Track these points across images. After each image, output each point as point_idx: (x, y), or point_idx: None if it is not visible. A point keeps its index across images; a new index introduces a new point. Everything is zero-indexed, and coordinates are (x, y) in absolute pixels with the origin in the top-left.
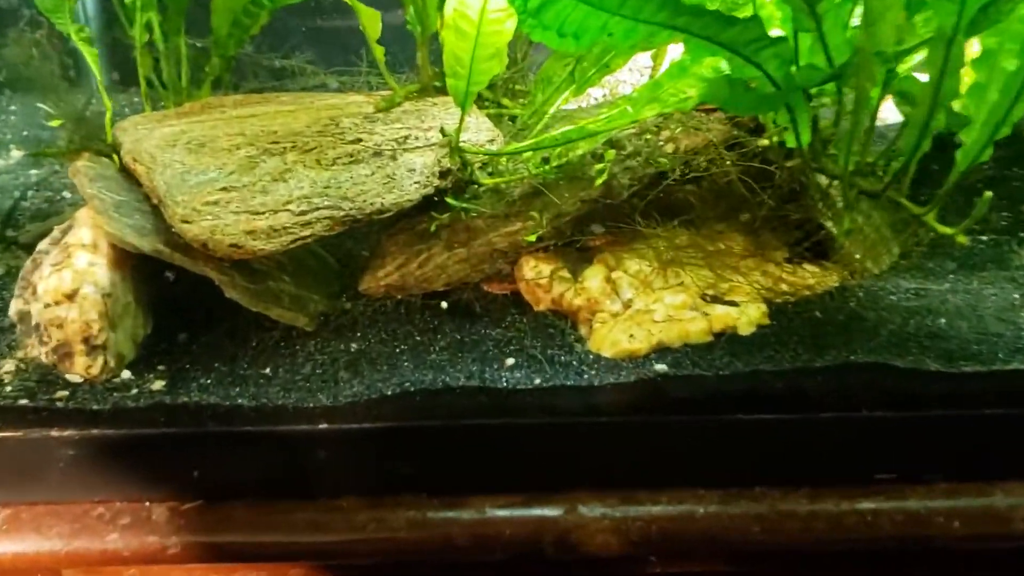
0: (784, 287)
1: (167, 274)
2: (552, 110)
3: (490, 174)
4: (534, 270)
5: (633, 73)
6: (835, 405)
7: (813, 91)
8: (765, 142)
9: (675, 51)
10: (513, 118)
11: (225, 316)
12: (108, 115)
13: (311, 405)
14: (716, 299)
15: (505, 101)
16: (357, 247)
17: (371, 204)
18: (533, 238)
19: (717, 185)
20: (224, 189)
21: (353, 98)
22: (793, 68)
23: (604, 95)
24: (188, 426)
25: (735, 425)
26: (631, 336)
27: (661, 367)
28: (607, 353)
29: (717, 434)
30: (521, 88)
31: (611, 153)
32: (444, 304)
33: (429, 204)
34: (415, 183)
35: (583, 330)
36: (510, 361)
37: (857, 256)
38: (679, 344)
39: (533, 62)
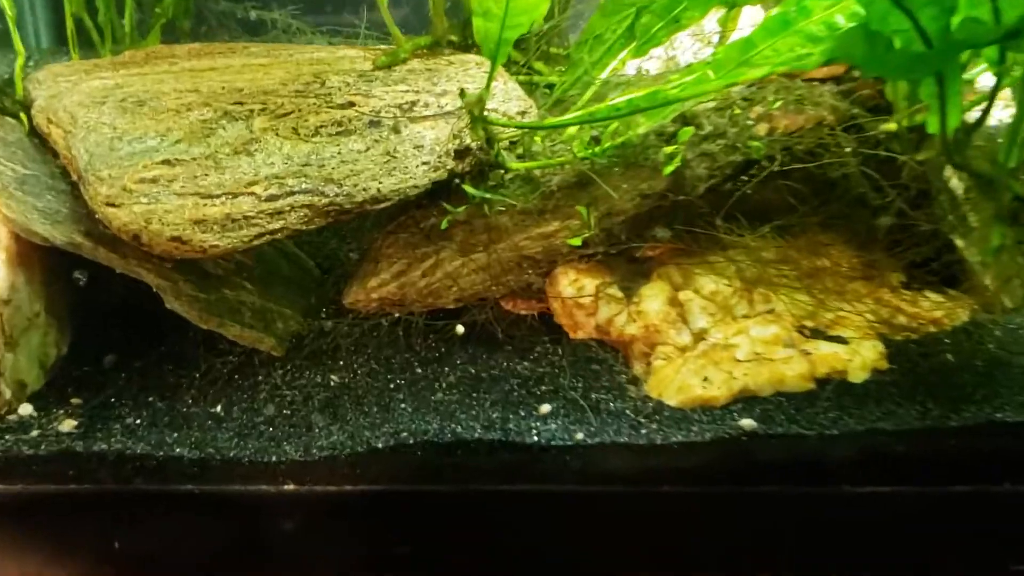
0: (902, 319)
1: (76, 275)
2: (604, 74)
3: (521, 157)
4: (574, 285)
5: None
6: (972, 476)
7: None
8: (892, 126)
9: (752, 15)
10: (550, 86)
11: (167, 334)
12: (19, 62)
13: (274, 459)
14: (818, 333)
15: (538, 65)
16: (344, 248)
17: (364, 190)
18: (577, 242)
19: (821, 180)
20: (166, 162)
21: (345, 52)
22: (955, 20)
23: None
24: (107, 482)
25: (843, 500)
26: (705, 380)
27: (747, 422)
28: (672, 400)
29: (820, 511)
30: (558, 51)
31: (687, 131)
32: (459, 328)
33: (440, 193)
34: (423, 164)
35: (638, 368)
36: (544, 408)
37: (990, 285)
38: (770, 392)
39: (573, 22)
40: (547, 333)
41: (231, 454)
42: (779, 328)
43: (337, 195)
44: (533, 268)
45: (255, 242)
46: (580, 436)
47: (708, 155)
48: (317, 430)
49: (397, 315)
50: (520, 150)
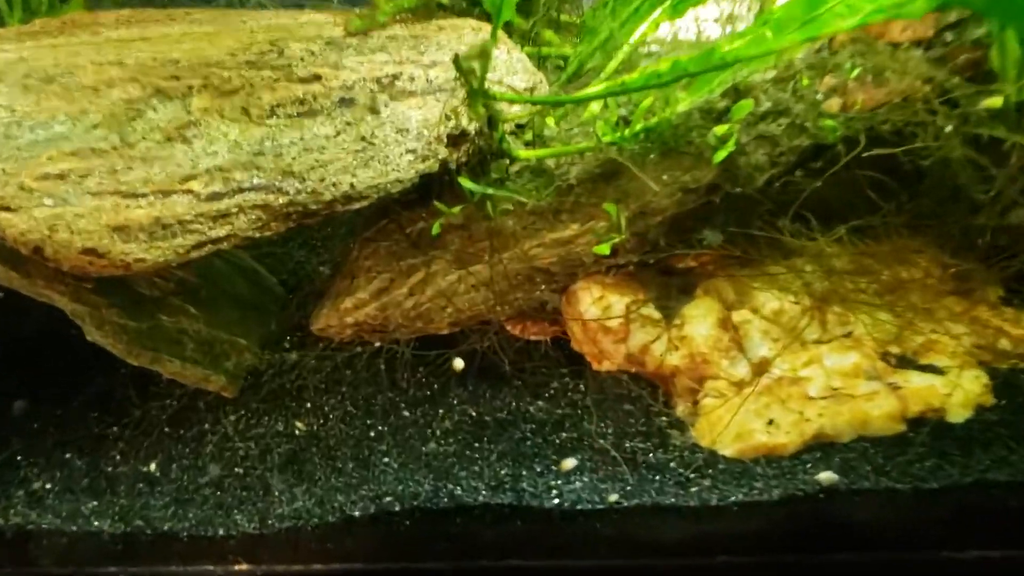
0: (1006, 344)
1: None
2: (633, 39)
3: (530, 144)
4: (598, 304)
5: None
6: None
7: None
8: (997, 101)
9: None
10: (562, 61)
11: (93, 372)
12: None
13: (222, 532)
14: (907, 362)
15: (547, 35)
16: (313, 260)
17: (333, 186)
18: (604, 250)
19: (908, 170)
20: (78, 153)
21: (310, 16)
22: None
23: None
24: (3, 567)
25: (946, 568)
26: (770, 423)
27: (825, 475)
28: (728, 449)
29: None
30: (569, 19)
31: (744, 106)
32: (457, 362)
33: (430, 189)
34: (408, 152)
35: (682, 407)
36: (567, 462)
37: None
38: (851, 436)
39: None
40: (566, 364)
41: (166, 527)
42: (860, 356)
43: (299, 192)
44: (547, 283)
45: (194, 253)
46: (613, 497)
47: (767, 138)
48: (277, 494)
49: (378, 344)
50: (529, 135)
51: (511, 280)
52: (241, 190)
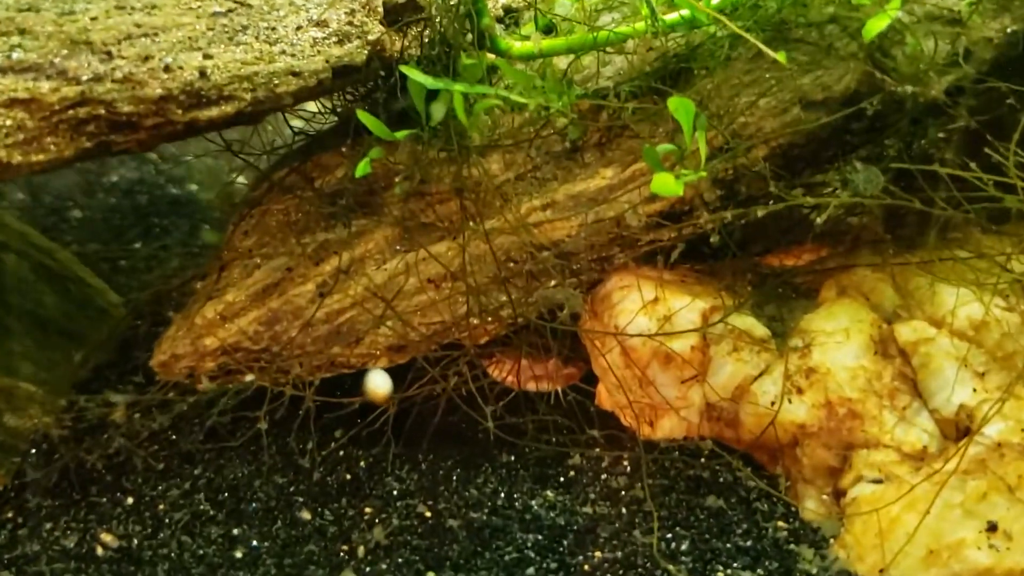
0: None
1: None
2: None
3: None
4: (651, 312)
5: None
6: None
7: None
8: None
9: None
10: None
11: None
12: None
13: None
14: None
15: None
16: (178, 248)
17: (166, 72)
18: (676, 188)
19: None
20: None
21: None
22: None
23: None
24: None
25: None
26: (991, 529)
27: None
28: None
29: None
30: None
31: None
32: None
33: (351, 112)
34: (314, 26)
35: (813, 502)
36: None
37: None
38: None
39: None
40: (594, 427)
41: None
42: None
43: (99, 79)
44: (560, 276)
45: None
46: None
47: (954, 24)
48: None
49: (261, 385)
50: (528, 24)
51: (498, 268)
52: None
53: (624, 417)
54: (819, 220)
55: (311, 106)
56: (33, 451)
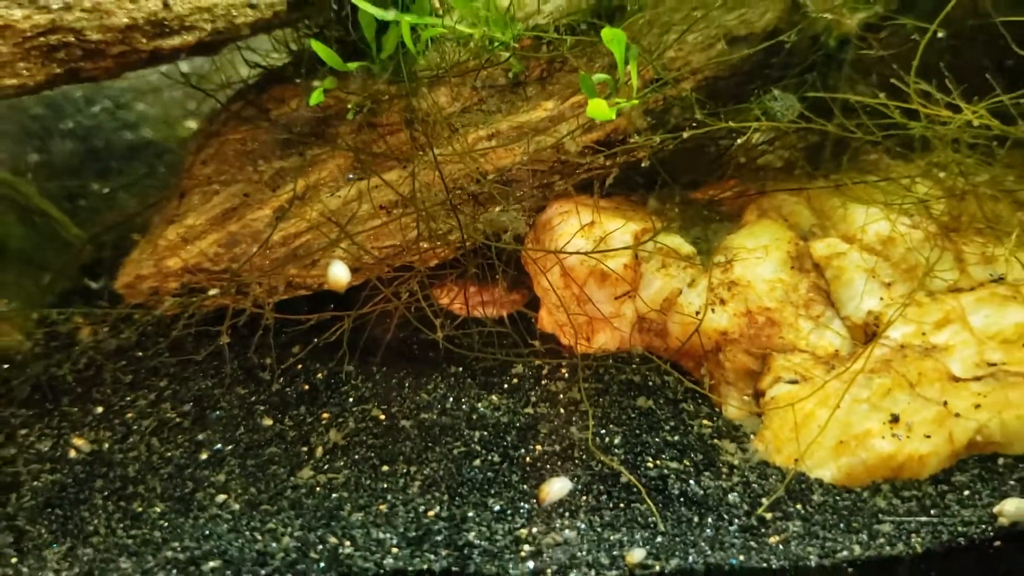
0: None
1: None
2: None
3: None
4: (588, 234)
5: None
6: None
7: None
8: None
9: None
10: None
11: None
12: None
13: None
14: None
15: None
16: (109, 184)
17: (132, 2)
18: (609, 113)
19: None
20: None
21: None
22: None
23: None
24: None
25: None
26: (893, 420)
27: (1011, 507)
28: (825, 470)
29: None
30: None
31: None
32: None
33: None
34: None
35: (734, 402)
36: (552, 487)
37: None
38: None
39: None
40: (535, 344)
41: None
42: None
43: (68, 7)
44: (506, 200)
45: None
46: (637, 555)
47: None
48: (13, 560)
49: (223, 304)
50: None
51: (446, 195)
52: None
53: (563, 336)
54: (742, 140)
55: (265, 43)
56: (6, 365)
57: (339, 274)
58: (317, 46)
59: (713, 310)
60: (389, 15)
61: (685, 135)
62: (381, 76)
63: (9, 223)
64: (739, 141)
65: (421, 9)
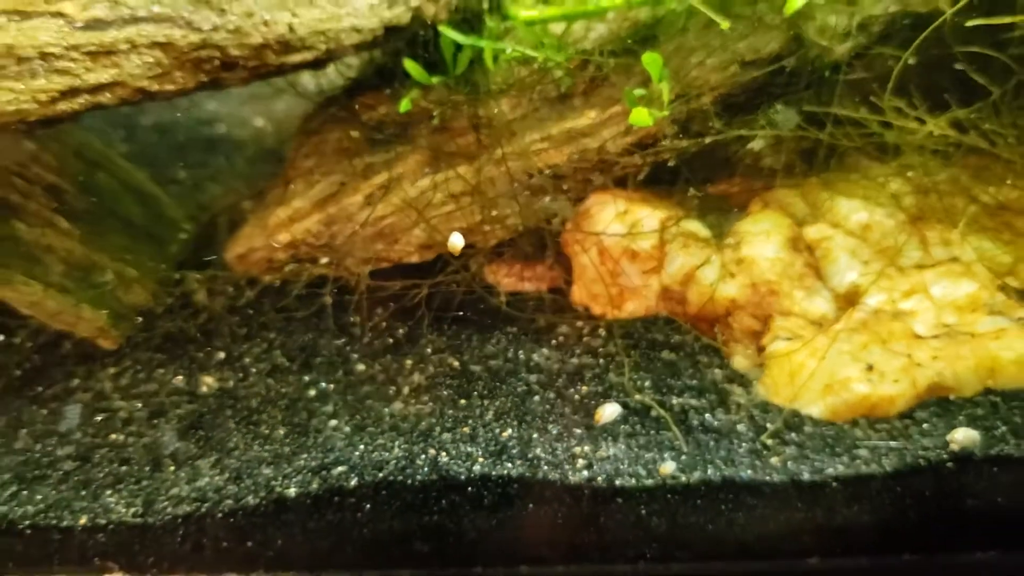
0: None
1: None
2: None
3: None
4: (623, 220)
5: None
6: None
7: None
8: None
9: None
10: None
11: None
12: None
13: (85, 522)
14: None
15: None
16: (231, 196)
17: (265, 25)
18: (647, 120)
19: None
20: None
21: None
22: None
23: None
24: None
25: None
26: (870, 369)
27: (962, 435)
28: (814, 408)
29: None
30: None
31: None
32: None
33: (391, 65)
34: None
35: (740, 356)
36: (603, 412)
37: None
38: (976, 388)
39: None
40: (573, 312)
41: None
42: (975, 285)
43: (216, 29)
44: (554, 190)
45: (63, 105)
46: (668, 467)
47: (851, 4)
48: (172, 469)
49: (322, 273)
50: None
51: (506, 186)
52: (135, 20)
53: (595, 307)
54: (750, 146)
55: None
56: (140, 319)
57: (456, 242)
58: (409, 64)
59: (725, 283)
60: (468, 40)
61: (707, 140)
62: (456, 88)
63: (128, 204)
64: (748, 146)
65: (493, 35)
